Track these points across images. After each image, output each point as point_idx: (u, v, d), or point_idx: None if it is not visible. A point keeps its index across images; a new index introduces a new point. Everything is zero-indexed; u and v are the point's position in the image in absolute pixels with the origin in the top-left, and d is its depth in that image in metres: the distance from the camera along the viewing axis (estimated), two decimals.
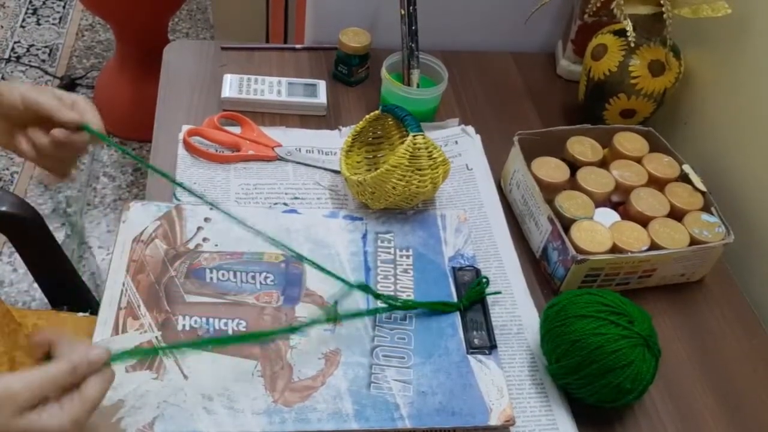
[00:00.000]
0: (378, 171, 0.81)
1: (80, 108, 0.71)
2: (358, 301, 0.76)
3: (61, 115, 0.69)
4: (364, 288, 0.75)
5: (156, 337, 0.69)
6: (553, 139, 0.91)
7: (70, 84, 2.17)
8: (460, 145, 0.98)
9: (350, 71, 1.04)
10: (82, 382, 0.52)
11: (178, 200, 0.83)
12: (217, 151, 0.91)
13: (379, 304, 0.76)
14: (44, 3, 2.53)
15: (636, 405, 0.74)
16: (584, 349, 0.67)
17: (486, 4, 1.11)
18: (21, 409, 0.49)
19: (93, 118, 0.71)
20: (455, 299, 0.77)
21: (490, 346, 0.73)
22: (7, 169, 1.91)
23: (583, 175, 0.87)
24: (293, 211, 0.85)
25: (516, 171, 0.89)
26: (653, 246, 0.81)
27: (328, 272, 0.75)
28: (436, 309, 0.76)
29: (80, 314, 0.91)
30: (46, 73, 2.23)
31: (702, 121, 1.01)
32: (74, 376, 0.52)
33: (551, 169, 0.88)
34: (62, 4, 2.53)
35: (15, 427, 0.48)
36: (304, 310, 0.74)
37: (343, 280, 0.75)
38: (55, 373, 0.51)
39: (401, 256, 0.81)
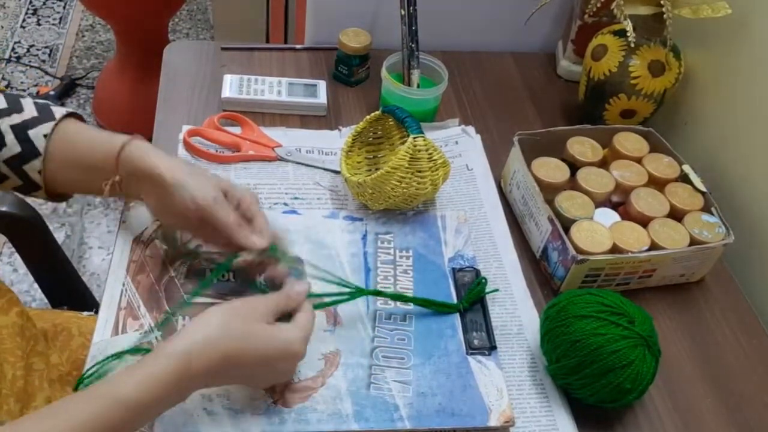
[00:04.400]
0: (378, 173, 0.81)
1: (259, 225, 0.69)
2: (358, 300, 0.76)
3: (244, 240, 0.68)
4: (365, 292, 0.75)
5: (156, 338, 0.69)
6: (553, 140, 0.91)
7: (70, 84, 2.18)
8: (460, 145, 0.98)
9: (350, 71, 1.04)
10: (293, 311, 0.65)
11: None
12: (217, 151, 0.91)
13: (379, 304, 0.76)
14: (44, 3, 2.53)
15: (636, 405, 0.74)
16: (584, 349, 0.67)
17: (486, 4, 1.11)
18: (262, 315, 0.61)
19: (268, 233, 0.70)
20: (455, 300, 0.77)
21: (489, 347, 0.73)
22: None
23: (583, 176, 0.87)
24: (293, 211, 0.85)
25: (516, 171, 0.89)
26: (653, 246, 0.81)
27: (334, 281, 0.74)
28: (436, 308, 0.76)
29: (85, 313, 0.91)
30: (47, 73, 2.24)
31: (702, 121, 1.01)
32: (290, 300, 0.65)
33: (551, 169, 0.88)
34: (62, 4, 2.53)
35: (264, 330, 0.61)
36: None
37: (346, 284, 0.74)
38: (278, 298, 0.65)
39: (401, 257, 0.81)
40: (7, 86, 2.20)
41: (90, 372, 0.64)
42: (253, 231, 0.69)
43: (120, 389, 0.54)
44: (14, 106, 0.69)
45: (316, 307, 0.69)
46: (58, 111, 0.70)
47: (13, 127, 0.68)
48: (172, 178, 0.66)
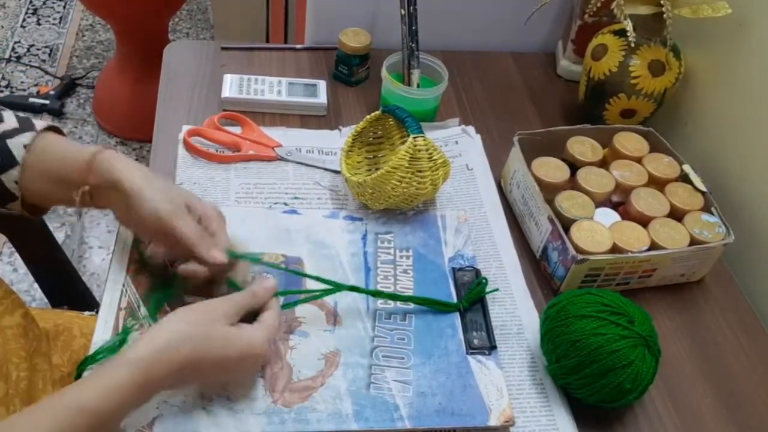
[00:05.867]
0: (378, 172, 0.81)
1: (221, 242, 0.69)
2: (357, 300, 0.76)
3: (204, 253, 0.67)
4: (356, 289, 0.75)
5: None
6: (553, 139, 0.91)
7: (70, 84, 2.18)
8: (460, 145, 0.98)
9: (350, 71, 1.04)
10: (260, 310, 0.66)
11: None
12: (217, 151, 0.91)
13: (379, 303, 0.76)
14: (44, 3, 2.53)
15: (636, 405, 0.74)
16: (584, 349, 0.67)
17: (486, 4, 1.11)
18: (222, 317, 0.62)
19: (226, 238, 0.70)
20: (455, 300, 0.77)
21: (489, 347, 0.73)
22: None
23: (583, 175, 0.87)
24: (293, 211, 0.85)
25: (516, 171, 0.89)
26: (653, 246, 0.81)
27: (329, 282, 0.73)
28: (435, 306, 0.76)
29: (86, 313, 0.91)
30: (47, 73, 2.24)
31: (702, 121, 1.01)
32: (255, 299, 0.66)
33: (551, 169, 0.88)
34: (62, 4, 2.53)
35: (228, 333, 0.62)
36: (304, 311, 0.74)
37: (340, 286, 0.74)
38: (242, 296, 0.66)
39: (401, 257, 0.81)
40: (7, 86, 2.20)
41: (86, 366, 0.65)
42: (215, 245, 0.68)
43: (84, 398, 0.55)
44: None
45: (287, 306, 0.71)
46: (39, 123, 0.71)
47: None
48: (131, 189, 0.66)
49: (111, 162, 0.68)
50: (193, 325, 0.61)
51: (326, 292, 0.73)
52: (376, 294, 0.76)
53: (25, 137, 0.69)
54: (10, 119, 0.70)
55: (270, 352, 0.68)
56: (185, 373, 0.60)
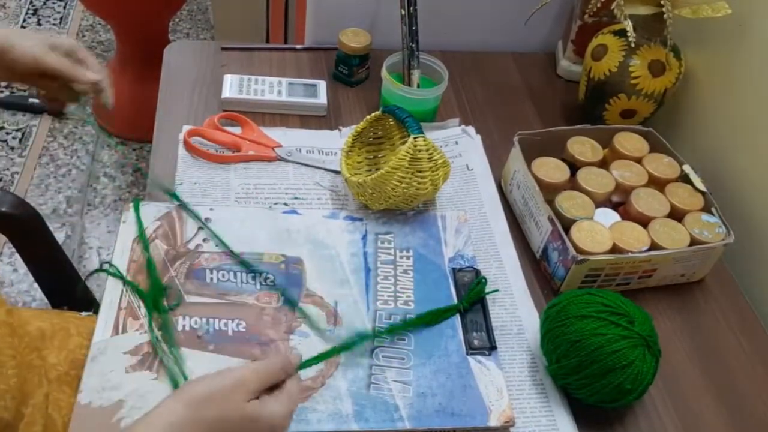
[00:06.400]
0: (378, 173, 0.81)
1: (92, 63, 0.81)
2: (358, 300, 0.76)
3: (81, 76, 0.79)
4: (366, 337, 0.73)
5: (156, 338, 0.69)
6: (553, 140, 0.91)
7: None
8: (460, 145, 0.98)
9: (350, 71, 1.04)
10: (283, 382, 0.61)
11: (179, 201, 0.83)
12: (217, 151, 0.91)
13: (379, 304, 0.76)
14: (45, 3, 2.53)
15: (636, 405, 0.74)
16: (584, 350, 0.67)
17: (486, 4, 1.11)
18: (251, 394, 0.58)
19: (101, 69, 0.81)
20: (455, 300, 0.77)
21: (489, 347, 0.73)
22: (8, 169, 1.91)
23: (583, 176, 0.87)
24: (293, 211, 0.85)
25: (516, 171, 0.89)
26: (653, 246, 0.81)
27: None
28: (439, 318, 0.76)
29: (84, 314, 0.91)
30: None
31: (702, 121, 1.01)
32: (283, 372, 0.61)
33: (551, 169, 0.88)
34: (62, 4, 2.53)
35: (244, 410, 0.57)
36: (304, 311, 0.74)
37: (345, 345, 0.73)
38: (272, 367, 0.61)
39: (401, 257, 0.81)
40: (7, 86, 2.19)
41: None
42: (88, 68, 0.80)
43: None
44: None
45: (302, 366, 0.67)
46: None
47: None
48: (5, 43, 0.76)
49: None
50: (210, 407, 0.56)
51: (343, 348, 0.71)
52: (386, 333, 0.73)
53: None
54: None
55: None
56: None
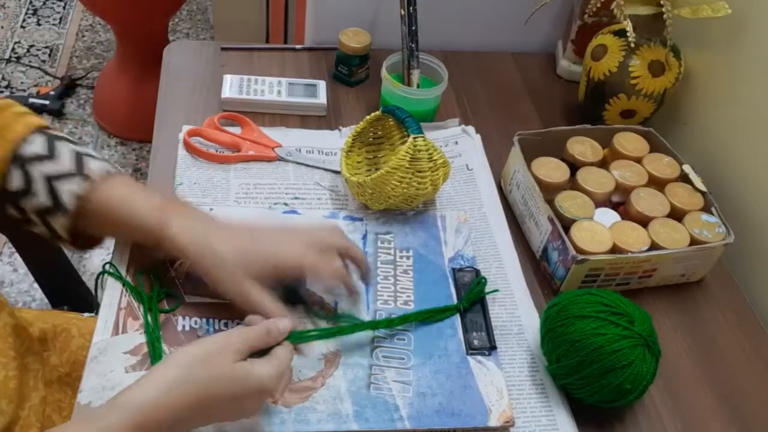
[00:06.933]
0: (378, 173, 0.81)
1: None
2: (358, 300, 0.76)
3: (273, 327, 0.65)
4: (364, 325, 0.73)
5: (156, 338, 0.69)
6: (553, 139, 0.91)
7: (70, 84, 2.18)
8: (460, 145, 0.98)
9: (350, 71, 1.04)
10: (272, 347, 0.63)
11: None
12: (217, 151, 0.91)
13: (379, 304, 0.76)
14: (44, 3, 2.53)
15: (636, 405, 0.74)
16: (584, 350, 0.67)
17: (486, 4, 1.11)
18: (238, 356, 0.59)
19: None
20: (455, 300, 0.77)
21: (489, 347, 0.73)
22: None
23: (583, 175, 0.87)
24: (293, 211, 0.85)
25: (516, 171, 0.89)
26: (653, 246, 0.81)
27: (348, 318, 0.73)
28: (438, 316, 0.76)
29: (85, 314, 0.91)
30: (47, 73, 2.24)
31: (702, 121, 1.01)
32: (269, 337, 0.63)
33: (551, 169, 0.88)
34: (62, 4, 2.53)
35: (233, 370, 0.59)
36: (304, 310, 0.74)
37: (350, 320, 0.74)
38: (257, 332, 0.63)
39: (401, 257, 0.81)
40: (7, 86, 2.20)
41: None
42: (285, 315, 0.67)
43: None
44: (51, 153, 0.68)
45: (297, 338, 0.66)
46: (95, 167, 0.68)
47: (45, 176, 0.67)
48: (203, 273, 0.68)
49: (177, 240, 0.67)
50: (195, 368, 0.58)
51: (340, 331, 0.71)
52: (385, 324, 0.73)
53: (76, 185, 0.66)
54: (65, 158, 0.68)
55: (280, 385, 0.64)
56: (190, 415, 0.57)
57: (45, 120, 0.81)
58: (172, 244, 0.67)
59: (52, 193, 0.66)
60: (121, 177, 0.70)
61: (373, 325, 0.73)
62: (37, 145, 0.68)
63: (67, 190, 0.66)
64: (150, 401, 0.55)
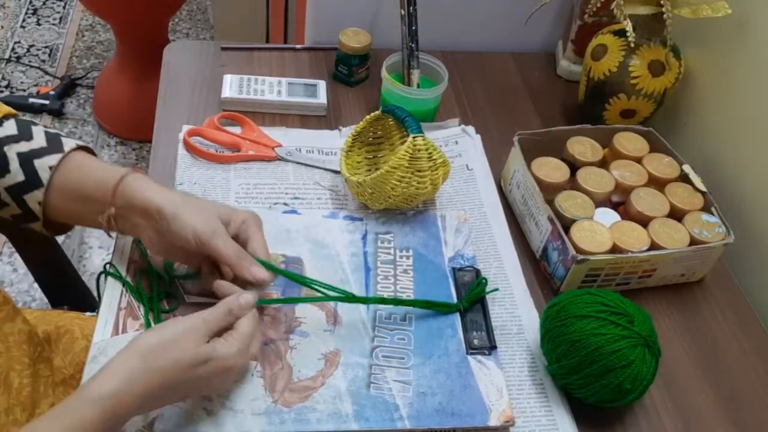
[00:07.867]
0: (378, 172, 0.81)
1: (257, 248, 0.69)
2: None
3: (245, 273, 0.67)
4: (358, 299, 0.74)
5: None
6: (553, 139, 0.91)
7: (70, 84, 2.18)
8: (460, 145, 0.98)
9: (350, 71, 1.04)
10: (235, 322, 0.64)
11: None
12: (217, 151, 0.91)
13: (379, 308, 0.76)
14: (44, 3, 2.53)
15: (636, 405, 0.74)
16: (584, 349, 0.67)
17: (486, 4, 1.11)
18: (201, 339, 0.60)
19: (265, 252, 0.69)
20: (455, 300, 0.77)
21: (489, 347, 0.73)
22: None
23: (583, 175, 0.87)
24: (293, 211, 0.85)
25: (516, 171, 0.89)
26: (653, 246, 0.81)
27: (329, 287, 0.73)
28: (435, 308, 0.76)
29: (87, 314, 0.91)
30: (47, 73, 2.24)
31: (702, 121, 1.01)
32: (231, 315, 0.63)
33: (551, 169, 0.88)
34: (62, 4, 2.53)
35: (198, 353, 0.59)
36: (304, 311, 0.74)
37: (343, 293, 0.73)
38: (218, 313, 0.63)
39: (401, 257, 0.81)
40: (7, 86, 2.20)
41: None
42: (252, 262, 0.67)
43: None
44: (24, 134, 0.69)
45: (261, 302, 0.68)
46: (68, 143, 0.69)
47: (19, 154, 0.67)
48: (170, 213, 0.65)
49: (141, 185, 0.67)
50: (155, 353, 0.58)
51: (328, 298, 0.72)
52: (378, 301, 0.75)
53: (53, 159, 0.67)
54: (39, 137, 0.69)
55: (258, 356, 0.67)
56: (153, 399, 0.58)
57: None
58: (133, 186, 0.66)
59: (29, 169, 0.67)
60: (90, 152, 0.71)
61: (363, 300, 0.74)
62: (8, 128, 0.69)
63: (44, 165, 0.67)
64: (115, 392, 0.55)
